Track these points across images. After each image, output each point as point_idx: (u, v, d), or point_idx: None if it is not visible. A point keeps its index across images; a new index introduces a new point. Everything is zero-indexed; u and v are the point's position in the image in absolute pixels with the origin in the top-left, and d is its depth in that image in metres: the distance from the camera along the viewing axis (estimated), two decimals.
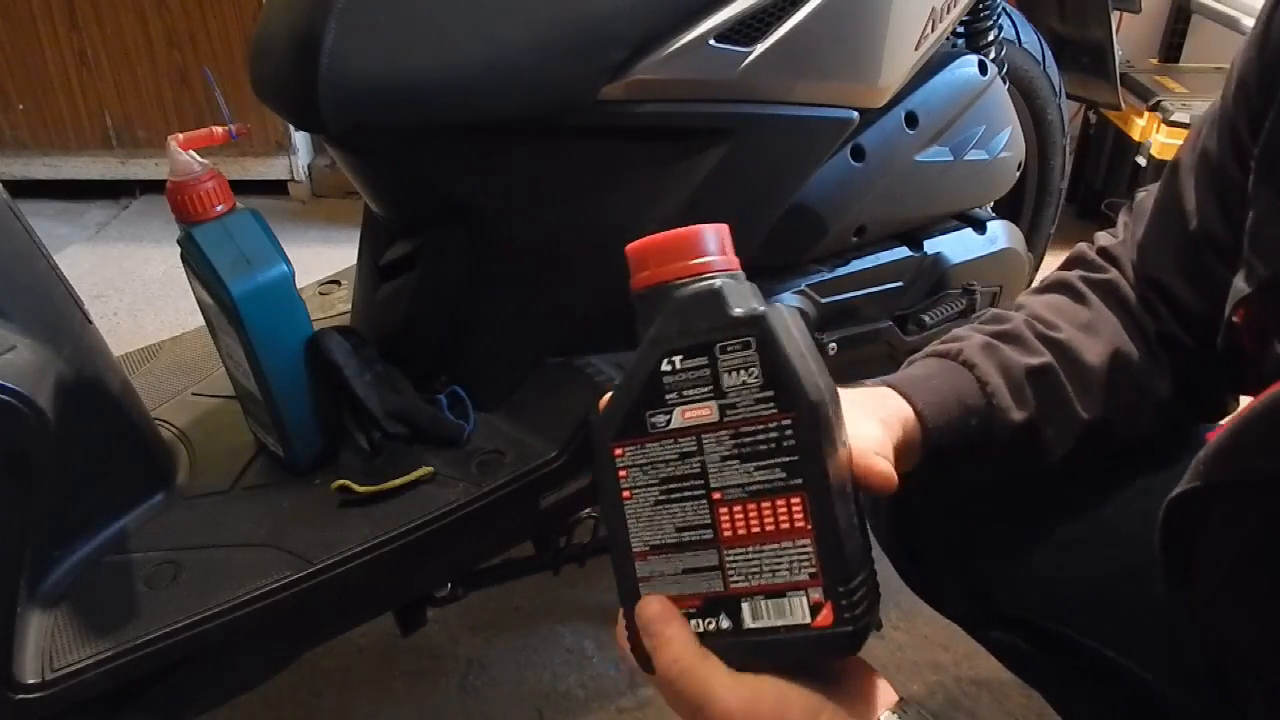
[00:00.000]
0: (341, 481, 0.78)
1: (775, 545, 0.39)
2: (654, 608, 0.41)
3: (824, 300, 1.03)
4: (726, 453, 0.39)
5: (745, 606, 0.40)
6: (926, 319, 1.11)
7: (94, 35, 2.09)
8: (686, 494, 0.40)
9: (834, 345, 1.04)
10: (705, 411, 0.39)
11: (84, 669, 0.64)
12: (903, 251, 1.09)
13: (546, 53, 0.74)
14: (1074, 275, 0.63)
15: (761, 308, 0.39)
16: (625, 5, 0.76)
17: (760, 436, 0.39)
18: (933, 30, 0.96)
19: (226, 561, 0.72)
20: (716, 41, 0.80)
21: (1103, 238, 0.65)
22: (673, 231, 0.42)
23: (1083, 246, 0.65)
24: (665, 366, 0.40)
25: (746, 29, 0.81)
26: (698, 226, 0.42)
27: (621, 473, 0.41)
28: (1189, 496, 0.46)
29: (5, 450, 0.61)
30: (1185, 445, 0.61)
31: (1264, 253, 0.48)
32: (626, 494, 0.41)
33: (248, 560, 0.72)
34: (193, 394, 0.93)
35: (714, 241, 0.42)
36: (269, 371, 0.77)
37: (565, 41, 0.75)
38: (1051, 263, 1.50)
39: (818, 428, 0.38)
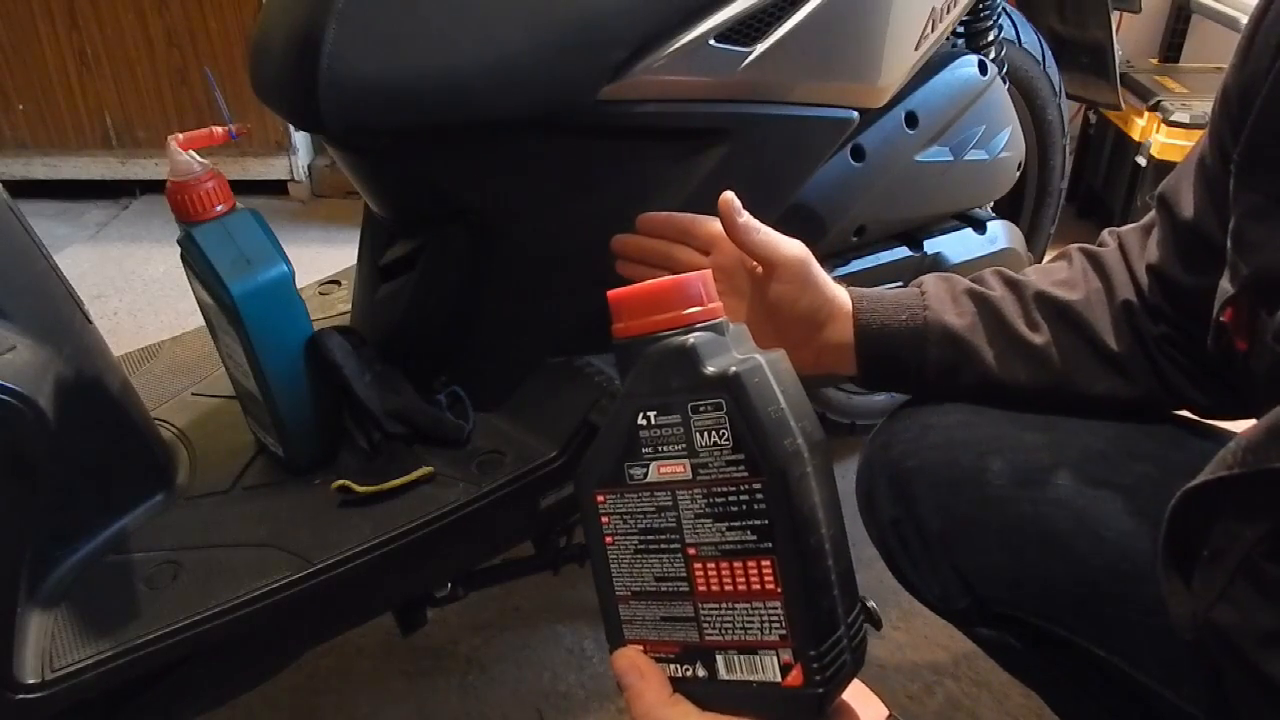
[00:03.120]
0: (341, 481, 0.78)
1: (747, 604, 0.39)
2: (623, 661, 0.43)
3: None
4: (700, 511, 0.39)
5: (719, 658, 0.40)
6: None
7: (94, 35, 2.09)
8: (663, 546, 0.40)
9: None
10: (679, 469, 0.39)
11: (84, 669, 0.64)
12: (903, 251, 1.09)
13: (546, 53, 0.74)
14: (1076, 245, 0.70)
15: (735, 368, 0.38)
16: (625, 5, 0.76)
17: (731, 498, 0.38)
18: (933, 30, 0.96)
19: (226, 561, 0.72)
20: (716, 41, 0.80)
21: (1127, 227, 0.69)
22: (651, 282, 0.42)
23: (1105, 231, 0.71)
24: (641, 421, 0.40)
25: (746, 29, 0.81)
26: (678, 277, 0.42)
27: (604, 519, 0.42)
28: (1206, 488, 0.47)
29: (5, 450, 0.61)
30: (1172, 446, 0.63)
31: (1245, 252, 0.50)
32: (609, 539, 0.42)
33: (248, 560, 0.72)
34: (193, 394, 0.93)
35: (693, 292, 0.41)
36: (269, 371, 0.77)
37: (565, 42, 0.75)
38: None
39: (787, 493, 0.37)
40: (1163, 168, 1.88)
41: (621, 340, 0.42)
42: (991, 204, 1.20)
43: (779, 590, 0.38)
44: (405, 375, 0.86)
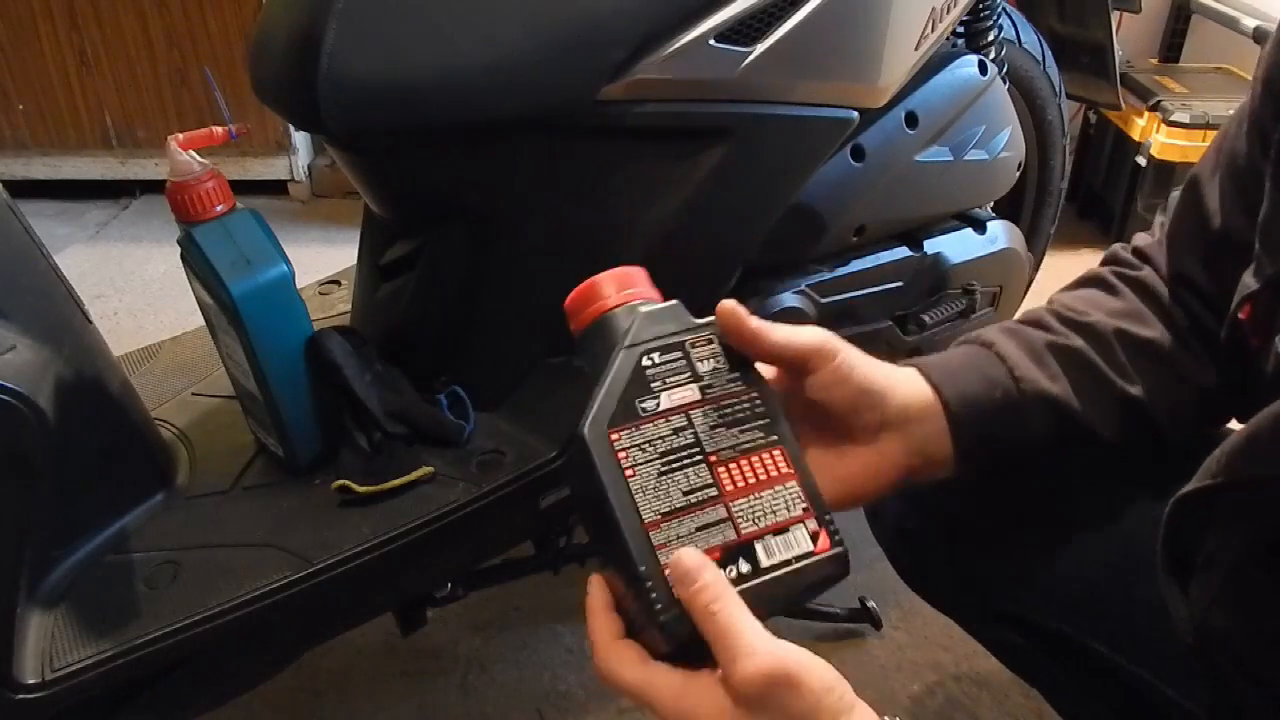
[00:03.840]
0: (341, 481, 0.78)
1: (770, 490, 0.46)
2: (693, 556, 0.42)
3: (824, 300, 1.03)
4: (714, 422, 0.47)
5: (759, 547, 0.45)
6: (926, 319, 1.11)
7: (94, 35, 2.09)
8: (686, 461, 0.46)
9: None
10: (689, 393, 0.47)
11: (84, 669, 0.64)
12: (903, 251, 1.09)
13: (546, 53, 0.74)
14: (1107, 270, 0.63)
15: (711, 317, 0.49)
16: (625, 5, 0.76)
17: (738, 407, 0.48)
18: (933, 30, 0.96)
19: (226, 561, 0.72)
20: (716, 41, 0.80)
21: (1139, 238, 0.65)
22: (617, 269, 0.51)
23: (1117, 247, 0.66)
24: (646, 362, 0.47)
25: (746, 29, 0.81)
26: (629, 267, 0.52)
27: (621, 454, 0.45)
28: (1197, 494, 0.46)
29: (5, 450, 0.61)
30: (1178, 446, 0.61)
31: (1272, 249, 0.49)
32: (630, 472, 0.45)
33: (248, 560, 0.72)
34: (193, 394, 0.93)
35: (645, 275, 0.52)
36: (269, 371, 0.77)
37: (565, 42, 0.75)
38: (1051, 263, 1.50)
39: (777, 398, 0.49)
40: (1163, 168, 1.88)
41: (606, 313, 0.50)
42: (991, 204, 1.20)
43: (793, 471, 0.47)
44: (405, 375, 0.86)
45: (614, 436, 0.45)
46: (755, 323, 0.50)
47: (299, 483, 0.81)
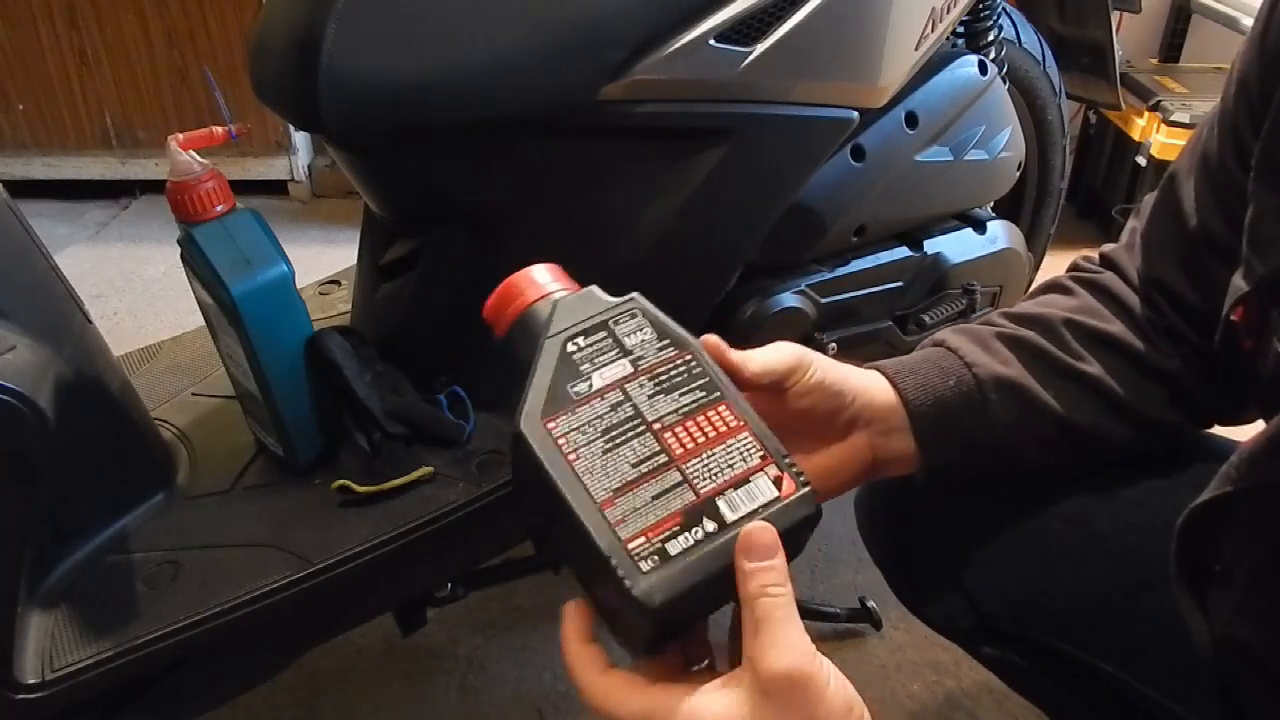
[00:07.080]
0: (341, 481, 0.78)
1: (723, 445, 0.45)
2: (767, 533, 0.41)
3: (824, 300, 1.03)
4: (651, 391, 0.46)
5: (721, 503, 0.44)
6: (926, 319, 1.11)
7: (94, 35, 2.09)
8: (630, 434, 0.45)
9: (834, 345, 1.04)
10: (620, 369, 0.47)
11: (84, 669, 0.64)
12: (903, 251, 1.09)
13: (546, 53, 0.74)
14: (1065, 276, 0.65)
15: (630, 295, 0.50)
16: (625, 5, 0.76)
17: (673, 372, 0.47)
18: (933, 30, 0.96)
19: (226, 561, 0.72)
20: (716, 41, 0.80)
21: (1106, 246, 0.66)
22: (527, 269, 0.52)
23: (1078, 258, 0.67)
24: (571, 348, 0.47)
25: (746, 29, 0.81)
26: (539, 265, 0.52)
27: (561, 440, 0.44)
28: (1215, 504, 0.46)
29: (5, 450, 0.61)
30: (1176, 459, 0.61)
31: (1262, 250, 0.49)
32: (572, 457, 0.44)
33: (248, 560, 0.72)
34: (193, 394, 0.93)
35: (562, 271, 0.53)
36: (269, 371, 0.77)
37: (565, 42, 0.75)
38: (1051, 263, 1.50)
39: (710, 359, 0.48)
40: (1163, 168, 1.86)
41: (526, 310, 0.50)
42: (991, 204, 1.20)
43: (742, 423, 0.46)
44: (405, 375, 0.86)
45: (550, 425, 0.44)
46: (735, 355, 0.52)
47: (299, 483, 0.81)
